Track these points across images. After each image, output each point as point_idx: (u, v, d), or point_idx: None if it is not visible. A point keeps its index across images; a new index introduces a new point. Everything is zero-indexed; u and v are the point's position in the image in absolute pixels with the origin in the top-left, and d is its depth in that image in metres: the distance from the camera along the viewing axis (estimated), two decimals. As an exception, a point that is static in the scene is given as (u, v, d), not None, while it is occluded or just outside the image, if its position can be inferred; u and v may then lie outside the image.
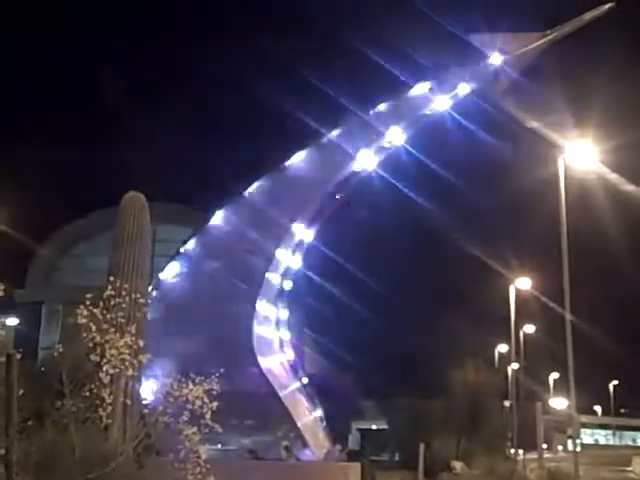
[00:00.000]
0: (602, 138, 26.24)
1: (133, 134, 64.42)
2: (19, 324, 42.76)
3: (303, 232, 51.54)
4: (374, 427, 60.65)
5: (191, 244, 49.41)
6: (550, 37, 50.88)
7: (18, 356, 11.33)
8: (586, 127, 28.22)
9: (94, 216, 55.29)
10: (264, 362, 47.22)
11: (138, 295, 14.20)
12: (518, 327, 48.55)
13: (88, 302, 11.86)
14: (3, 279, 12.06)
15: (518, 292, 44.91)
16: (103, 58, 77.37)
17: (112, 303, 12.04)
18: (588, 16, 49.61)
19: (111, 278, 14.16)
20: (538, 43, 50.94)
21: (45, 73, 77.11)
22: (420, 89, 51.09)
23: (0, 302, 12.12)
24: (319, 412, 51.08)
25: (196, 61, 72.97)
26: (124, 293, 12.31)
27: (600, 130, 27.42)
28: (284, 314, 53.07)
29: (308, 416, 49.57)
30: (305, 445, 44.53)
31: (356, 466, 31.19)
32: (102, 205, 49.50)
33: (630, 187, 35.57)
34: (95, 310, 11.79)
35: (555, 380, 73.68)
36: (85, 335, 11.76)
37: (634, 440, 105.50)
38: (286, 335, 53.07)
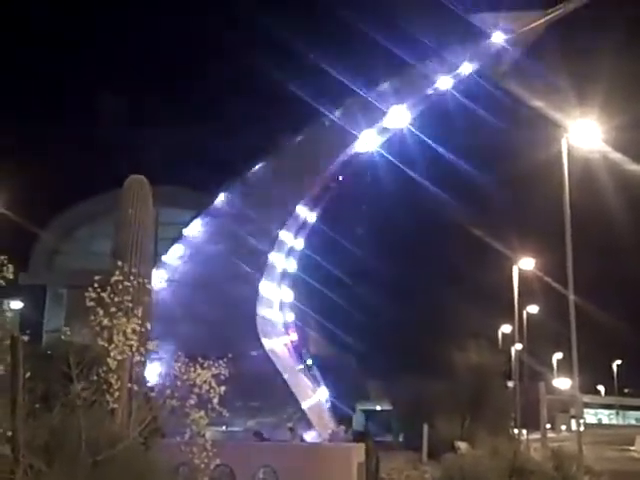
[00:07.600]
0: (606, 117, 26.14)
1: (136, 117, 64.16)
2: (23, 307, 42.79)
3: (306, 213, 51.51)
4: (378, 408, 60.81)
5: (194, 226, 49.40)
6: (551, 16, 50.61)
7: (25, 338, 11.34)
8: (589, 106, 28.11)
9: (97, 199, 55.16)
10: (268, 344, 47.32)
11: (144, 279, 14.14)
12: (521, 307, 48.58)
13: (96, 285, 11.83)
14: (6, 262, 11.96)
15: (521, 272, 44.87)
16: (104, 39, 77.04)
17: (119, 287, 12.00)
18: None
19: (117, 261, 14.10)
20: (540, 22, 50.68)
21: (46, 54, 76.73)
22: (422, 69, 50.90)
23: (5, 285, 12.04)
24: (323, 393, 51.25)
25: (195, 44, 72.59)
26: (132, 277, 12.27)
27: (603, 109, 27.32)
28: (288, 296, 53.11)
29: (312, 397, 49.72)
30: (310, 426, 44.68)
31: (360, 447, 31.21)
32: (105, 189, 49.39)
33: (633, 166, 35.52)
34: (103, 294, 11.77)
35: (559, 360, 73.84)
36: (93, 318, 11.74)
37: (637, 420, 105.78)
38: (290, 317, 53.18)
